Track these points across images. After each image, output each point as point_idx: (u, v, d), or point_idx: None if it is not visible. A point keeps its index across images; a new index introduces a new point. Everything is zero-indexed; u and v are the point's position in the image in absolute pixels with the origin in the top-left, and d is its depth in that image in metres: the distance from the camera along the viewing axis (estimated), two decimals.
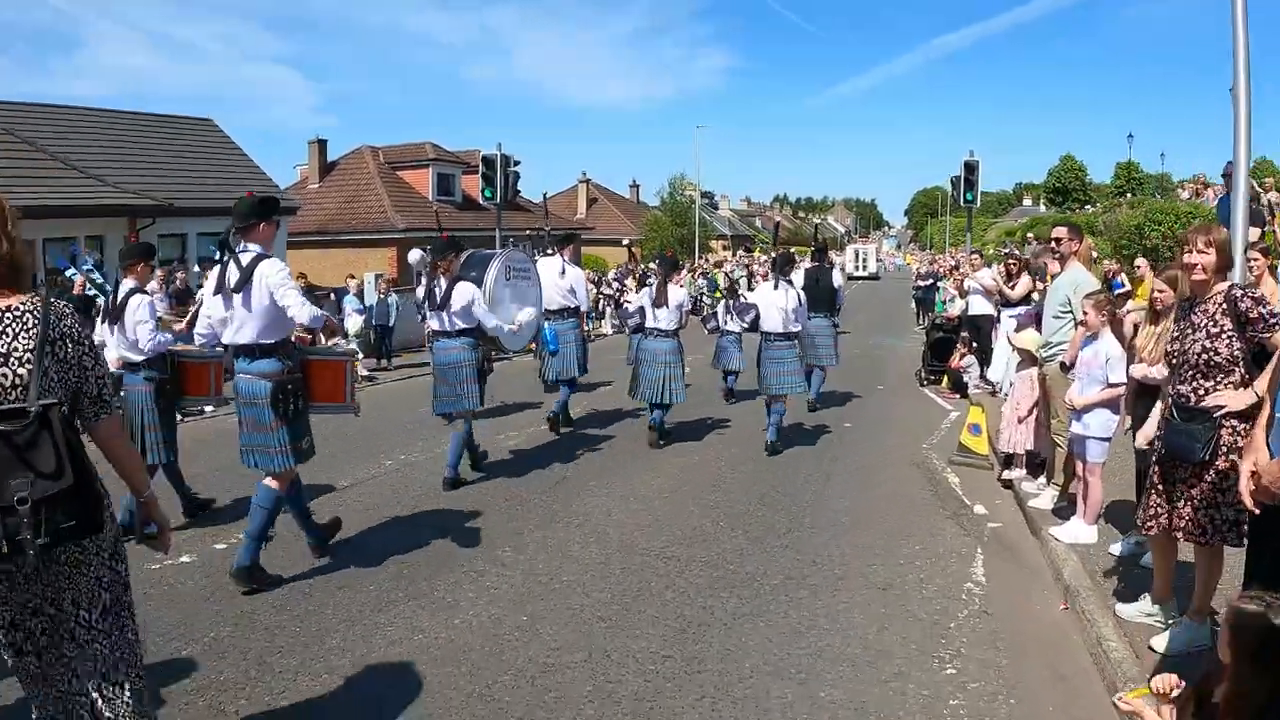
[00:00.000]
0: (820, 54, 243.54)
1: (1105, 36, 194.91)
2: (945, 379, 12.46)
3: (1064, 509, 5.97)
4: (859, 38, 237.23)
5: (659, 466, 7.85)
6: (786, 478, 7.42)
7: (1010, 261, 11.00)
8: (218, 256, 4.71)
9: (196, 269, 17.42)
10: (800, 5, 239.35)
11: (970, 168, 19.50)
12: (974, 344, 12.34)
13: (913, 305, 26.17)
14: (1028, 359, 6.71)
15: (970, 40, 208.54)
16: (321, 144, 33.69)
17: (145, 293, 5.57)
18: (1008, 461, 7.16)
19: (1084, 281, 5.81)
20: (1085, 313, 5.19)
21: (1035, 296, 10.88)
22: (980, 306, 11.92)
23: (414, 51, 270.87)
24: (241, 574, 4.67)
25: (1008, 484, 6.98)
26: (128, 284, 5.53)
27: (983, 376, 11.99)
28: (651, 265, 22.24)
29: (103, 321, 5.63)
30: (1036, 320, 7.04)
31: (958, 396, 11.88)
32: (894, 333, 21.84)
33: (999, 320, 11.21)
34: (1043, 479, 6.50)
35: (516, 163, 20.89)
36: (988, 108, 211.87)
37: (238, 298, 4.52)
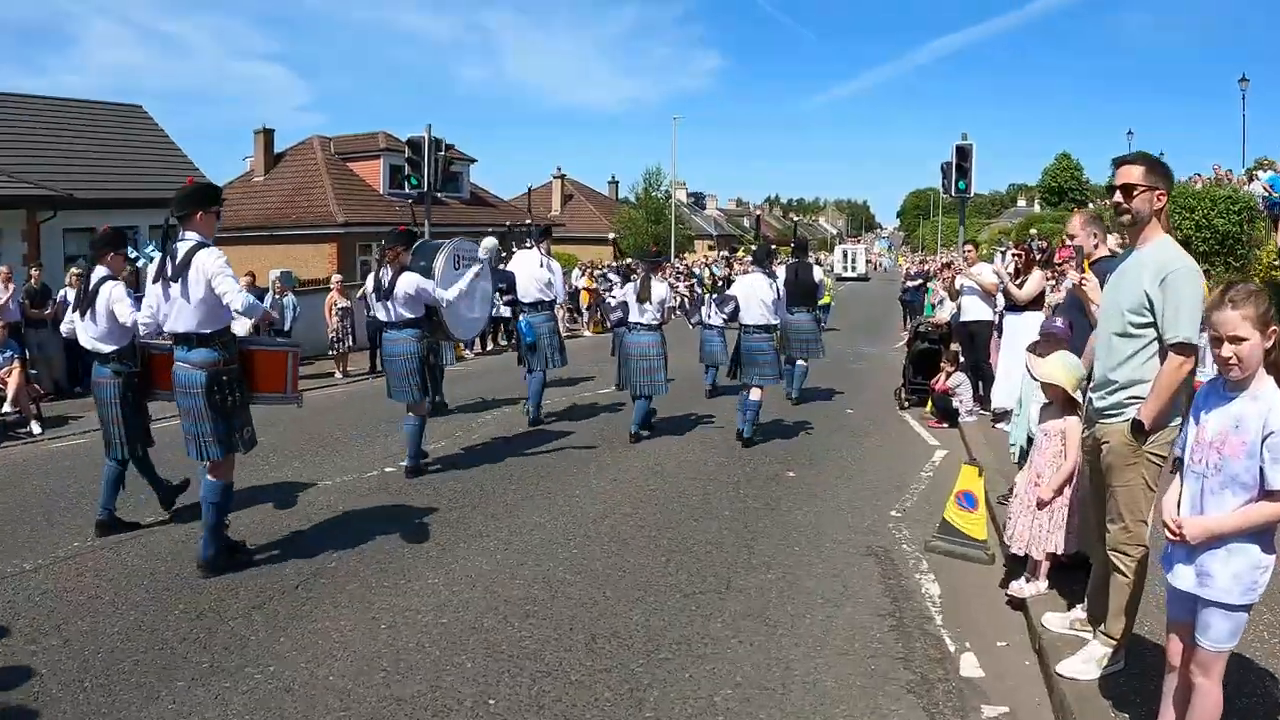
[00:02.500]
0: (814, 56, 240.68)
1: (1103, 37, 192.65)
2: (929, 403, 9.76)
3: (1119, 679, 3.27)
4: (852, 40, 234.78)
5: (498, 527, 5.17)
6: (667, 577, 4.67)
7: (1018, 252, 8.25)
8: (146, 250, 5.14)
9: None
10: (793, 7, 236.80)
11: (962, 152, 16.77)
12: (962, 358, 9.65)
13: (900, 309, 23.50)
14: (1060, 402, 4.00)
15: (965, 42, 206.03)
16: (268, 134, 31.43)
17: (117, 279, 5.41)
18: (1013, 562, 4.43)
19: (1181, 267, 3.01)
20: (1233, 336, 2.38)
21: (1052, 298, 8.25)
22: (975, 311, 9.20)
23: (403, 50, 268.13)
24: (207, 565, 4.67)
25: (1018, 604, 4.25)
26: (100, 272, 5.41)
27: (977, 398, 9.31)
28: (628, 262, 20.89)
29: (74, 310, 5.54)
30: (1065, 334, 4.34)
31: (945, 425, 9.20)
32: (879, 340, 19.17)
33: (1000, 328, 8.55)
34: (1078, 610, 3.76)
35: (448, 147, 18.65)
36: (982, 109, 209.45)
37: (175, 287, 4.51)
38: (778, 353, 8.40)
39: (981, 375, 9.44)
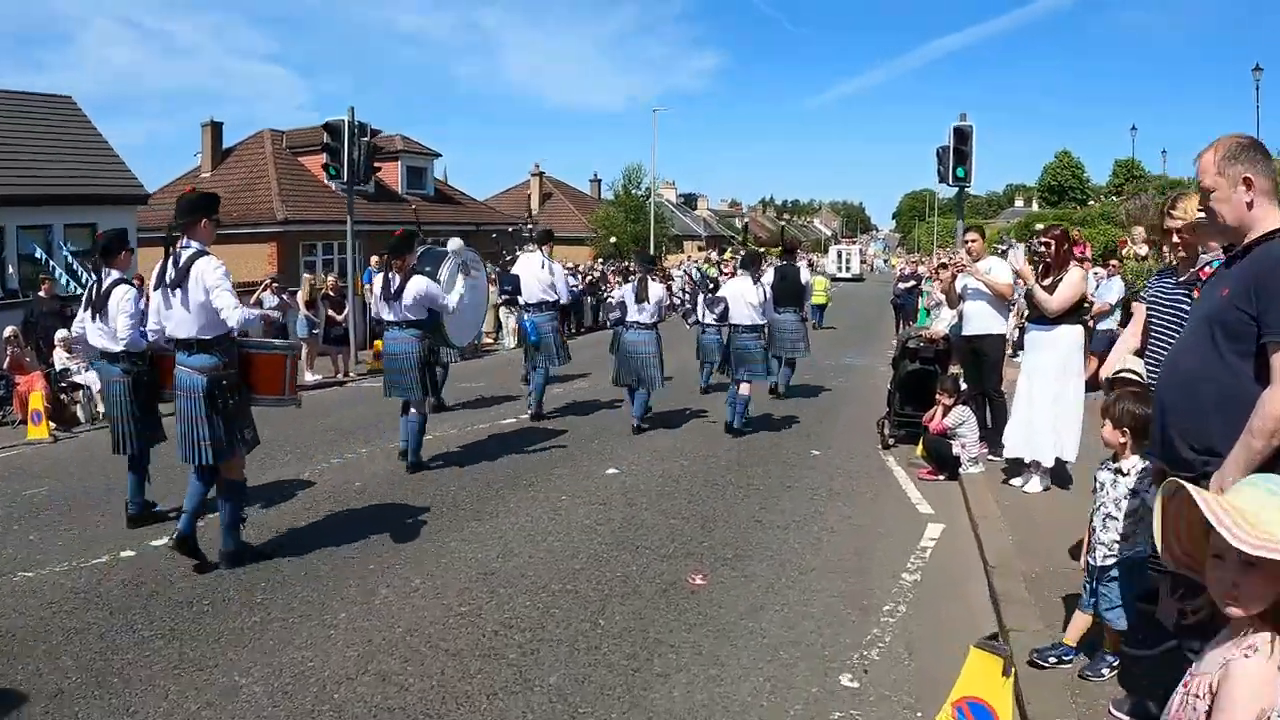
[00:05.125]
0: (811, 57, 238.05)
1: (1102, 37, 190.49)
2: (920, 444, 7.30)
3: None
4: (850, 41, 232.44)
5: (251, 652, 2.78)
6: None
7: (1047, 240, 5.71)
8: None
9: (11, 270, 14.84)
10: (791, 7, 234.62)
11: (961, 135, 14.42)
12: (965, 385, 7.21)
13: (893, 313, 21.11)
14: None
15: (963, 43, 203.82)
16: (215, 127, 29.12)
17: (130, 283, 5.48)
18: None
19: None
20: None
21: (1099, 300, 5.79)
22: (983, 321, 6.73)
23: (401, 49, 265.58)
24: (226, 557, 4.70)
25: None
26: (112, 275, 5.43)
27: (984, 436, 6.88)
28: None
29: (84, 310, 5.62)
30: None
31: (942, 477, 6.77)
32: (868, 349, 16.71)
33: (1020, 344, 6.10)
34: None
35: (375, 133, 16.53)
36: (978, 111, 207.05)
37: (176, 293, 4.60)
38: (766, 350, 8.76)
39: (992, 405, 7.02)
